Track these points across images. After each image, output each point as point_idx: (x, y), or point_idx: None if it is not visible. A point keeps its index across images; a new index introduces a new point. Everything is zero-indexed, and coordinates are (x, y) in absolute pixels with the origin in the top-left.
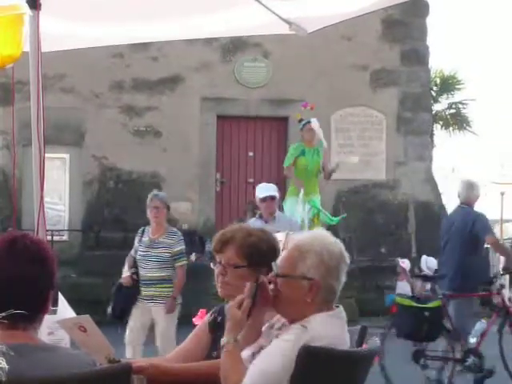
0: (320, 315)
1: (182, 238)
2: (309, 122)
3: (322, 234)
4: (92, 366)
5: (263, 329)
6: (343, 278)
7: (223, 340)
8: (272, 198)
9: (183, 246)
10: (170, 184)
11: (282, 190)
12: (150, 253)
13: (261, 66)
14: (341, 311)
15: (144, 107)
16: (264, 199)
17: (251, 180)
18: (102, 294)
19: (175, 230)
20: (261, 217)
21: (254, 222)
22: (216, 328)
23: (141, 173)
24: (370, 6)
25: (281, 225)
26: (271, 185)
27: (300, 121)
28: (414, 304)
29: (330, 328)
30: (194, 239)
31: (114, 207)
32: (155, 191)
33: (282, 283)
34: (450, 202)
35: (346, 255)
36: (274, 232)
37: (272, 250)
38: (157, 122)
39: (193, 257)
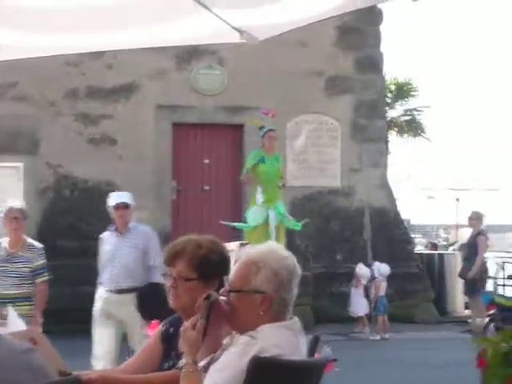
0: (270, 326)
1: (43, 251)
2: (271, 130)
3: (275, 247)
4: (25, 352)
5: (224, 341)
6: (295, 291)
7: (182, 362)
8: (125, 205)
9: (44, 260)
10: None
11: (241, 197)
12: (8, 268)
13: (216, 73)
14: (294, 322)
15: (99, 115)
16: (117, 207)
17: (207, 187)
18: (60, 303)
19: (35, 242)
20: (116, 229)
21: (107, 236)
22: (168, 339)
23: (96, 181)
24: (322, 13)
25: (136, 237)
26: (125, 193)
27: (261, 128)
28: None
29: (280, 338)
30: None
31: (70, 216)
32: (11, 200)
33: (235, 298)
34: (406, 207)
35: (298, 268)
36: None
37: (223, 262)
38: (112, 129)
39: None
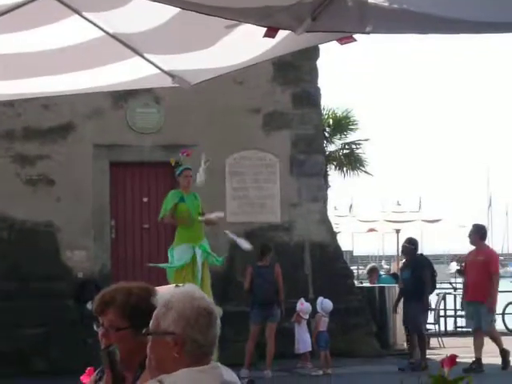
0: (186, 370)
1: None
2: (187, 169)
3: (186, 289)
4: None
5: None
6: (211, 332)
7: None
8: None
9: None
10: (65, 232)
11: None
12: None
13: (152, 111)
14: (213, 367)
15: (36, 156)
16: None
17: (147, 226)
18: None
19: None
20: None
21: None
22: None
23: (34, 222)
24: (255, 58)
25: None
26: None
27: (175, 166)
28: None
29: (193, 383)
30: (91, 287)
31: (9, 258)
32: None
33: (151, 342)
34: (349, 240)
35: (211, 310)
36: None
37: (154, 308)
38: (49, 170)
39: (89, 305)
